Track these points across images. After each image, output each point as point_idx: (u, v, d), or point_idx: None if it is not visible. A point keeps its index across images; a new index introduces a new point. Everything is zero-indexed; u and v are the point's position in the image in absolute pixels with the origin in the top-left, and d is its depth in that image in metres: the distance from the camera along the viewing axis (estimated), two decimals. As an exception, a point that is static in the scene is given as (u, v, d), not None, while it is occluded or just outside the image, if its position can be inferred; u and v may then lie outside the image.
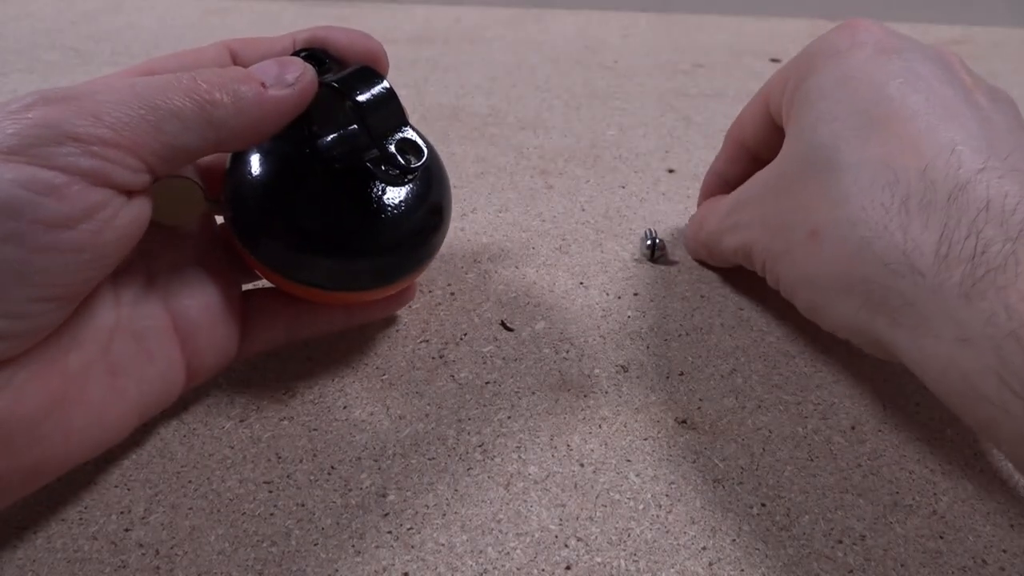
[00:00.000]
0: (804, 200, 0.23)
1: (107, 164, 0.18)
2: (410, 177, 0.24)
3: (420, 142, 0.23)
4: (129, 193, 0.19)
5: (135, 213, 0.19)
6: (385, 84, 0.22)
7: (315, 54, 0.24)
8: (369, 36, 0.25)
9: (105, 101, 0.18)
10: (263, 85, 0.20)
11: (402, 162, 0.22)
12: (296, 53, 0.24)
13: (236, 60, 0.23)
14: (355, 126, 0.23)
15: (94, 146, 0.17)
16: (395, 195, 0.24)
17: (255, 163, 0.23)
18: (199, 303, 0.23)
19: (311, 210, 0.23)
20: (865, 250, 0.21)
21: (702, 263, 0.35)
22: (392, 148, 0.22)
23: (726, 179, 0.33)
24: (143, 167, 0.19)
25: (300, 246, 0.23)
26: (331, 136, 0.23)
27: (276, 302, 0.26)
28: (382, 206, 0.24)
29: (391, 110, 0.22)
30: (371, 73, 0.22)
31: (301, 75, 0.21)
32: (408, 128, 0.23)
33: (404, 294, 0.29)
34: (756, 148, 0.31)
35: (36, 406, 0.18)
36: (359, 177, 0.24)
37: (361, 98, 0.22)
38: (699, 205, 0.35)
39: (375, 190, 0.24)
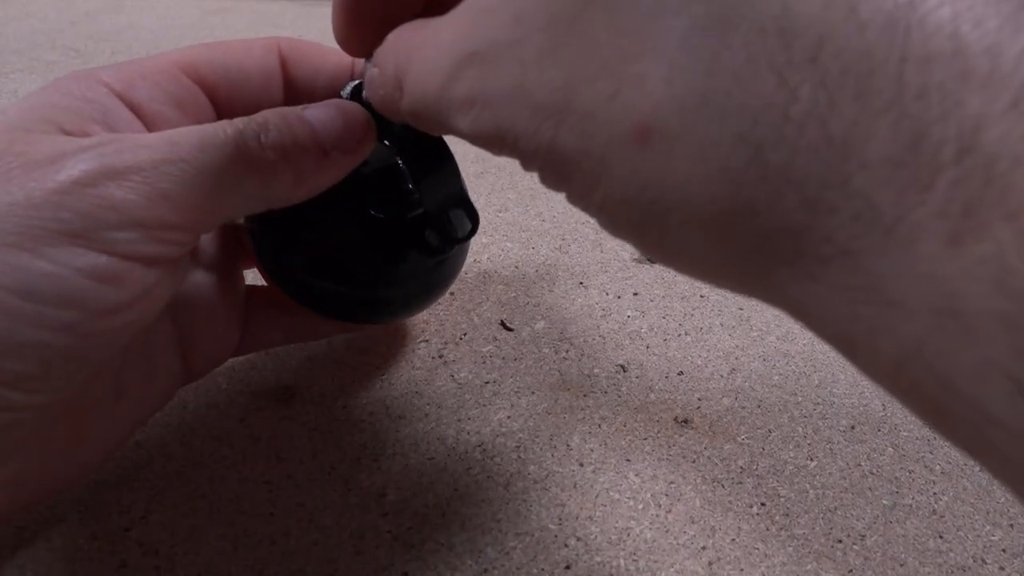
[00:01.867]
0: (609, 66, 0.12)
1: (168, 246, 0.17)
2: (450, 251, 0.23)
3: (467, 220, 0.22)
4: (176, 262, 0.18)
5: (178, 277, 0.19)
6: (448, 158, 0.22)
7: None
8: None
9: (168, 174, 0.16)
10: (324, 152, 0.19)
11: (449, 232, 0.22)
12: (357, 84, 0.22)
13: (284, 66, 0.22)
14: (409, 186, 0.22)
15: (157, 231, 0.16)
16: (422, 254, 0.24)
17: None
18: (200, 302, 0.23)
19: (337, 249, 0.23)
20: (749, 162, 0.10)
21: None
22: (441, 214, 0.22)
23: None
24: (196, 238, 0.18)
25: (318, 282, 0.23)
26: (380, 189, 0.23)
27: (276, 303, 0.26)
28: (409, 259, 0.24)
29: (449, 183, 0.22)
30: (436, 144, 0.21)
31: (364, 140, 0.20)
32: (463, 203, 0.22)
33: None
34: None
35: (44, 461, 0.18)
36: (397, 230, 0.23)
37: (421, 166, 0.21)
38: (340, 24, 0.19)
39: (401, 246, 0.23)
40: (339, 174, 0.20)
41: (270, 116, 0.18)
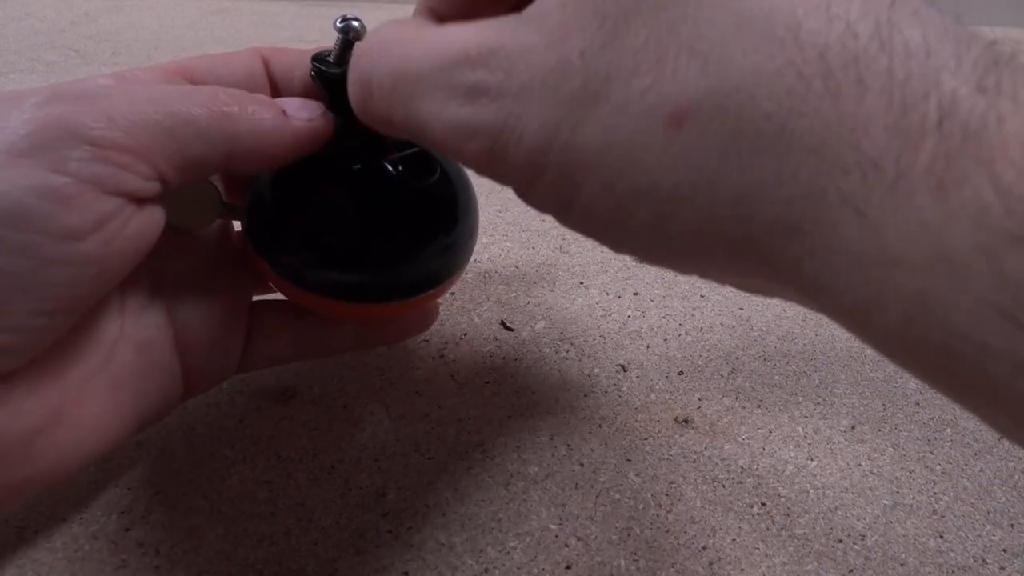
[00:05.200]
0: (648, 61, 0.13)
1: (119, 171, 0.17)
2: (433, 177, 0.23)
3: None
4: (139, 201, 0.18)
5: (145, 223, 0.19)
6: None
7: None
8: None
9: (120, 103, 0.17)
10: (284, 112, 0.20)
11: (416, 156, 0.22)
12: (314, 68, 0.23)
13: (268, 67, 0.23)
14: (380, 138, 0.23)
15: (107, 150, 0.17)
16: (420, 207, 0.24)
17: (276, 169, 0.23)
18: (203, 314, 0.23)
19: (330, 210, 0.23)
20: (777, 135, 0.12)
21: None
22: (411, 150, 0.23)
23: (442, 18, 0.19)
24: (155, 174, 0.18)
25: (316, 249, 0.23)
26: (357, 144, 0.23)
27: (283, 318, 0.26)
28: (405, 216, 0.24)
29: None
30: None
31: (321, 115, 0.21)
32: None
33: (417, 322, 0.28)
34: None
35: (32, 423, 0.18)
36: (383, 185, 0.23)
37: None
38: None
39: (400, 200, 0.23)
40: (299, 137, 0.20)
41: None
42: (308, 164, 0.23)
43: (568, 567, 0.21)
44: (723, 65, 0.12)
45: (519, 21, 0.15)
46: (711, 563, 0.21)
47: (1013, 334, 0.11)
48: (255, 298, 0.26)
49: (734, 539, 0.22)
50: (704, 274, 0.15)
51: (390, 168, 0.23)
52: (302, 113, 0.21)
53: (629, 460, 0.25)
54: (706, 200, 0.13)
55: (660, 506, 0.23)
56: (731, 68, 0.12)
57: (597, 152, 0.13)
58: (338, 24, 0.21)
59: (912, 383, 0.28)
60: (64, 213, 0.16)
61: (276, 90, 0.23)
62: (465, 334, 0.30)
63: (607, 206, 0.14)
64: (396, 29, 0.17)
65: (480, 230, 0.37)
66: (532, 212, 0.39)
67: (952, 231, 0.11)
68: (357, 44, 0.19)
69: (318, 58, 0.22)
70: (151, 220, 0.19)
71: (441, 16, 0.19)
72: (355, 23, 0.21)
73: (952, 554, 0.22)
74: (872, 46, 0.12)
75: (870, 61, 0.12)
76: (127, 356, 0.21)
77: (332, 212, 0.23)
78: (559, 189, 0.14)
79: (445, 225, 0.25)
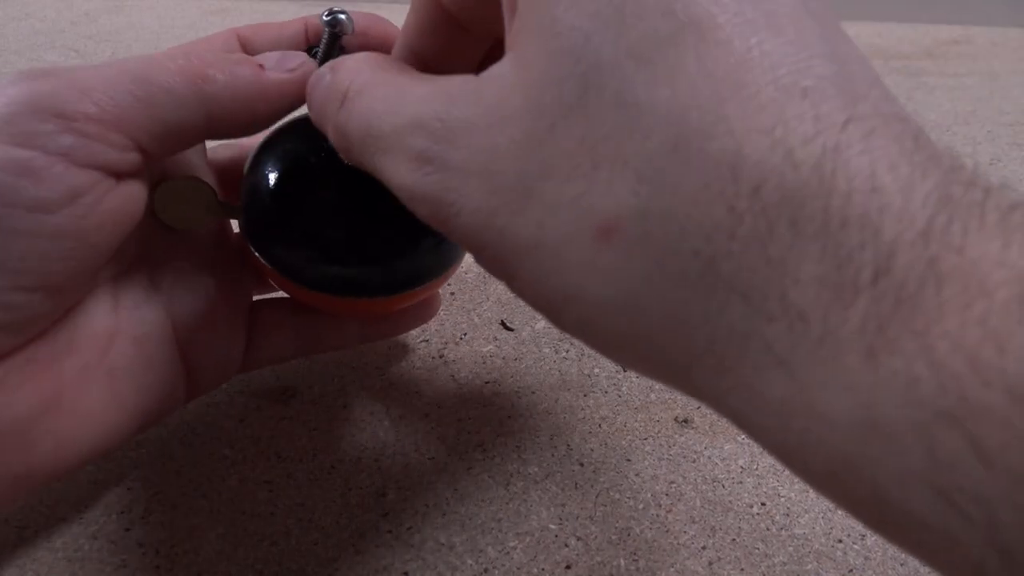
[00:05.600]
0: (579, 169, 0.13)
1: (91, 142, 0.17)
2: None
3: None
4: (118, 176, 0.18)
5: (124, 197, 0.18)
6: None
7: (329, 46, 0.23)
8: (385, 20, 0.23)
9: (91, 75, 0.17)
10: (261, 67, 0.20)
11: None
12: (309, 48, 0.23)
13: (246, 47, 0.23)
14: None
15: (77, 122, 0.16)
16: None
17: (271, 163, 0.23)
18: (203, 312, 0.23)
19: (327, 206, 0.23)
20: (703, 273, 0.11)
21: None
22: None
23: (422, 58, 0.19)
24: (131, 144, 0.18)
25: (313, 245, 0.23)
26: None
27: (285, 315, 0.26)
28: (400, 209, 0.23)
29: None
30: None
31: (302, 64, 0.20)
32: None
33: (420, 313, 0.28)
34: (459, 11, 0.18)
35: (28, 409, 0.18)
36: (378, 180, 0.23)
37: None
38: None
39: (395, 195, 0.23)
40: (282, 91, 0.20)
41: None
42: (304, 161, 0.23)
43: (568, 567, 0.21)
44: (655, 186, 0.12)
45: (471, 88, 0.14)
46: (711, 563, 0.21)
47: (946, 512, 0.10)
48: (256, 297, 0.26)
49: (734, 539, 0.22)
50: (637, 371, 0.14)
51: None
52: (286, 63, 0.20)
53: (629, 460, 0.25)
54: (632, 316, 0.12)
55: (660, 506, 0.23)
56: (663, 191, 0.12)
57: (527, 249, 0.13)
58: (324, 17, 0.21)
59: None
60: (32, 185, 0.16)
61: None
62: (465, 334, 0.30)
63: (538, 299, 0.14)
64: (370, 76, 0.17)
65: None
66: (532, 212, 0.39)
67: (881, 400, 0.10)
68: (332, 78, 0.18)
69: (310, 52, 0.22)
70: (132, 195, 0.19)
71: (421, 57, 0.19)
72: (342, 16, 0.20)
73: (952, 554, 0.22)
74: (812, 181, 0.11)
75: (806, 200, 0.11)
76: (126, 349, 0.21)
77: (328, 208, 0.23)
78: (497, 269, 0.14)
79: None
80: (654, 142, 0.12)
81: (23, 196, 0.16)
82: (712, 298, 0.11)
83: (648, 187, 0.12)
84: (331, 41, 0.20)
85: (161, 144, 0.19)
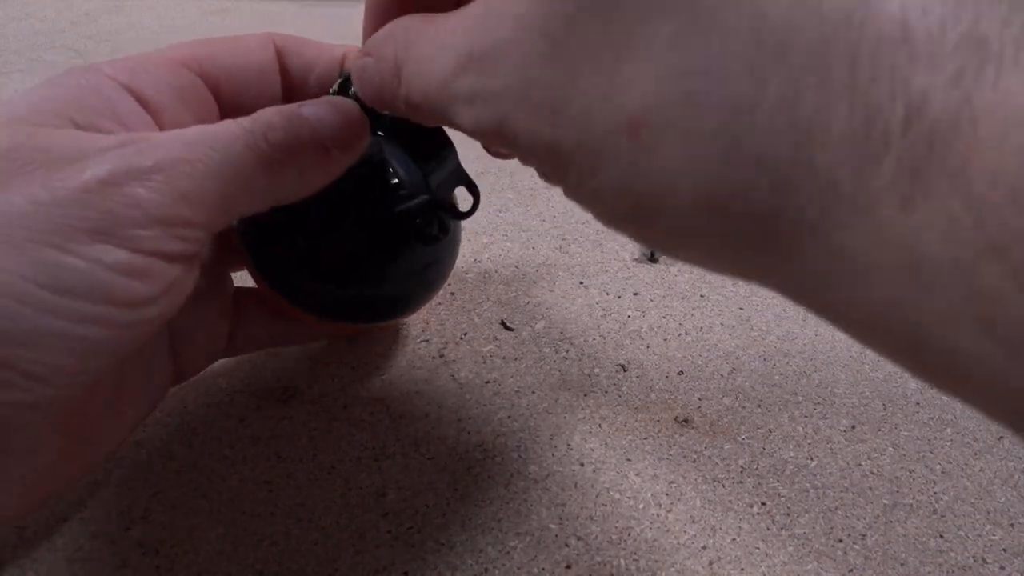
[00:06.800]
0: (603, 65, 0.13)
1: (186, 244, 0.18)
2: (446, 236, 0.24)
3: (469, 196, 0.23)
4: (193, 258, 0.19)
5: (197, 272, 0.19)
6: (445, 140, 0.22)
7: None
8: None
9: (187, 174, 0.17)
10: (325, 149, 0.19)
11: (454, 211, 0.23)
12: (343, 79, 0.22)
13: (281, 59, 0.23)
14: (403, 176, 0.23)
15: (177, 228, 0.17)
16: (411, 255, 0.24)
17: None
18: (192, 304, 0.23)
19: (329, 243, 0.23)
20: (727, 150, 0.12)
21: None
22: (446, 195, 0.23)
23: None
24: (209, 235, 0.19)
25: (314, 282, 0.23)
26: (375, 182, 0.23)
27: (265, 306, 0.26)
28: (405, 254, 0.24)
29: (449, 163, 0.22)
30: (431, 128, 0.22)
31: (360, 135, 0.20)
32: (463, 179, 0.23)
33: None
34: None
35: (54, 460, 0.18)
36: (390, 223, 0.23)
37: (420, 151, 0.22)
38: (369, 27, 0.20)
39: (401, 239, 0.24)
40: (337, 170, 0.20)
41: (273, 116, 0.19)
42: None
43: (568, 567, 0.21)
44: (676, 71, 0.12)
45: (481, 11, 0.15)
46: (711, 563, 0.21)
47: (990, 343, 0.10)
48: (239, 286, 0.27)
49: (734, 539, 0.22)
50: (698, 264, 0.15)
51: (395, 218, 0.23)
52: (348, 139, 0.20)
53: (629, 460, 0.25)
54: (670, 205, 0.13)
55: (660, 506, 0.23)
56: (685, 75, 0.12)
57: (570, 152, 0.13)
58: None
59: (912, 383, 0.28)
60: (140, 286, 0.17)
61: (288, 80, 0.23)
62: (465, 334, 0.30)
63: (591, 197, 0.14)
64: (403, 39, 0.17)
65: (480, 230, 0.37)
66: (532, 212, 0.39)
67: (921, 244, 0.10)
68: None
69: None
70: (199, 266, 0.19)
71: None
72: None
73: (952, 554, 0.22)
74: (839, 34, 0.11)
75: (835, 55, 0.11)
76: (133, 370, 0.21)
77: (328, 235, 0.23)
78: (557, 182, 0.15)
79: (429, 274, 0.25)
80: (670, 25, 0.12)
81: (132, 295, 0.17)
82: (738, 175, 0.12)
83: (668, 73, 0.12)
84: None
85: (227, 223, 0.19)
